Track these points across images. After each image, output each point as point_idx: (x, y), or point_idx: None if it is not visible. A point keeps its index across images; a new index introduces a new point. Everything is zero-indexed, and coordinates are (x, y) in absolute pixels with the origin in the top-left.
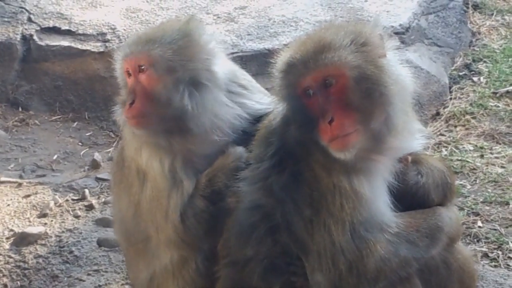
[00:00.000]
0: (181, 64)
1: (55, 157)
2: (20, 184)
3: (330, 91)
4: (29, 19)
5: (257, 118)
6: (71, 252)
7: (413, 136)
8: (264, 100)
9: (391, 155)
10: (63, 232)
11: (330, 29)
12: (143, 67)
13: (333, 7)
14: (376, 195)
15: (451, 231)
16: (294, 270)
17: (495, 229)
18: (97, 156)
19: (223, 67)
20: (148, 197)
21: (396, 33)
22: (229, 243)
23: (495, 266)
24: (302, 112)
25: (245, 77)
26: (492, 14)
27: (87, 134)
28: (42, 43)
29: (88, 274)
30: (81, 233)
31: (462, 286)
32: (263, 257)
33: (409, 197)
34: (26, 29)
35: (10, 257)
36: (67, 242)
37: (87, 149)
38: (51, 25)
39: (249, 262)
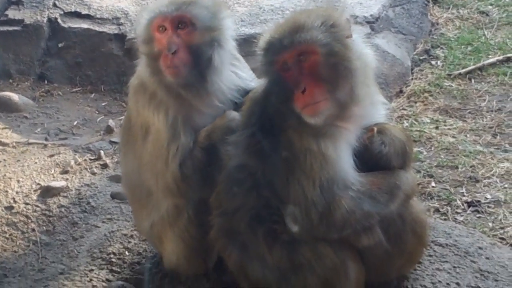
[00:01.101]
0: (213, 26)
1: (75, 123)
2: (45, 146)
3: (303, 66)
4: (54, 5)
5: (245, 90)
6: (88, 203)
7: (376, 107)
8: (249, 73)
9: (355, 123)
10: (82, 186)
11: (304, 13)
12: (183, 25)
13: None
14: (341, 156)
15: (408, 189)
16: (275, 219)
17: (446, 189)
18: (111, 122)
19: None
20: (149, 149)
21: (368, 22)
22: (220, 196)
23: (445, 219)
24: (281, 84)
25: (236, 52)
26: (449, 8)
27: (102, 104)
28: (65, 25)
29: (103, 222)
30: (97, 187)
31: (415, 235)
32: (249, 208)
33: (373, 163)
34: (51, 13)
35: (37, 206)
36: (85, 195)
37: (103, 116)
38: (73, 10)
39: (237, 212)
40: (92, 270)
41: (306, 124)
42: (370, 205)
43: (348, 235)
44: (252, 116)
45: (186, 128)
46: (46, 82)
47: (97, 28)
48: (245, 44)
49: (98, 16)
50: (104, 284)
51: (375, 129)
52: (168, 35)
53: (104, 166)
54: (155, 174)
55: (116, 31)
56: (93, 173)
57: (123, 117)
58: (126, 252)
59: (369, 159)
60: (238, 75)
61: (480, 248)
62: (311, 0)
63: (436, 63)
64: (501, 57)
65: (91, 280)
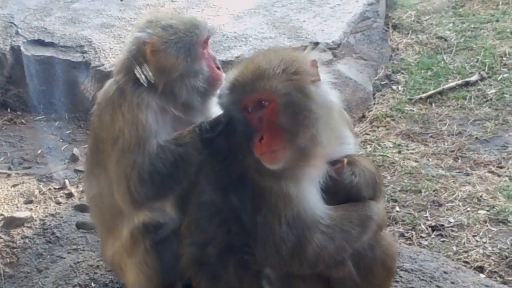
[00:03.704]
0: None
1: (39, 151)
2: (9, 175)
3: (263, 112)
4: (17, 33)
5: None
6: (53, 233)
7: (343, 143)
8: None
9: (319, 162)
10: (46, 216)
11: (268, 56)
12: None
13: (276, 26)
14: (305, 194)
15: (379, 220)
16: (247, 251)
17: (410, 213)
18: (75, 151)
19: None
20: (121, 146)
21: (330, 49)
22: (191, 227)
23: (410, 244)
24: (243, 124)
25: None
26: (408, 33)
27: (67, 132)
28: (28, 53)
29: (68, 253)
30: (62, 217)
31: (384, 267)
32: (219, 242)
33: (343, 194)
34: (14, 41)
35: (0, 237)
36: (50, 225)
37: (67, 145)
38: (36, 38)
39: (208, 244)
40: None
41: (265, 167)
42: (342, 238)
43: (320, 269)
44: (219, 153)
45: (163, 130)
46: (9, 110)
47: (60, 56)
48: None
49: (61, 44)
50: None
51: (345, 160)
52: None
53: (69, 195)
54: (121, 176)
55: (80, 59)
56: (58, 203)
57: (87, 145)
58: (92, 284)
59: (339, 191)
60: None
61: (445, 272)
62: (273, 27)
63: (397, 88)
64: (460, 81)
65: None
